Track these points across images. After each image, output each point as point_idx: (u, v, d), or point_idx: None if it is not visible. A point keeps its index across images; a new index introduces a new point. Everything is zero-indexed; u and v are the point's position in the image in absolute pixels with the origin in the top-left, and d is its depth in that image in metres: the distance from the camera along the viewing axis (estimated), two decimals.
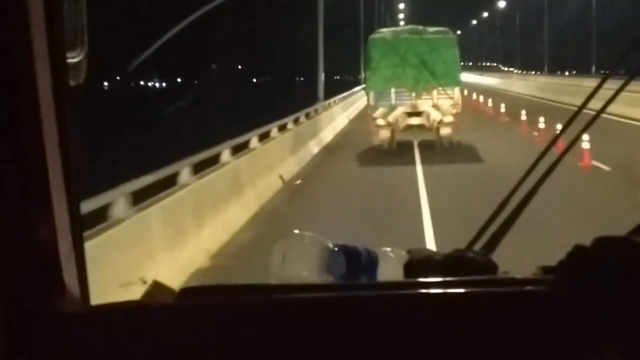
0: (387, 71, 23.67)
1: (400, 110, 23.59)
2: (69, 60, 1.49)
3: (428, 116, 23.52)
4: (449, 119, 23.47)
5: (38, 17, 1.40)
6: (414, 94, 23.67)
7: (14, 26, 1.38)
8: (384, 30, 26.68)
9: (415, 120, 23.64)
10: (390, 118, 23.51)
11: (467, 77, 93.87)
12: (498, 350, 1.40)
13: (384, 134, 23.66)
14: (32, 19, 1.39)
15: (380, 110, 23.63)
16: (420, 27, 25.09)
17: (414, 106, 23.65)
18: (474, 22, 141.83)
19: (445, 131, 23.59)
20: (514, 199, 1.88)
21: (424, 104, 23.62)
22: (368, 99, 24.35)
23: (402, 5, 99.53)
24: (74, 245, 1.49)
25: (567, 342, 1.38)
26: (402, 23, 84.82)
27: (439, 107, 23.50)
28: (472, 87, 61.89)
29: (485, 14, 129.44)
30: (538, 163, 1.99)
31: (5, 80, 1.38)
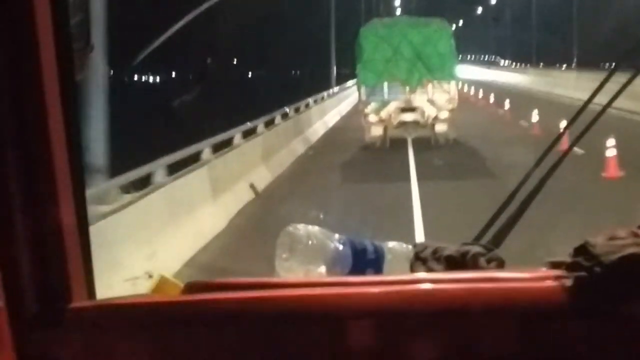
0: (380, 64, 23.63)
1: (393, 105, 23.55)
2: (75, 54, 1.57)
3: (423, 112, 23.48)
4: (444, 114, 23.38)
5: (44, 11, 1.48)
6: (407, 89, 23.63)
7: (21, 20, 1.46)
8: (376, 21, 26.59)
9: (409, 116, 23.59)
10: (383, 114, 23.45)
11: (476, 73, 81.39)
12: (506, 344, 1.48)
13: (376, 130, 23.60)
14: (38, 13, 1.47)
15: (372, 106, 23.57)
16: (414, 18, 25.09)
17: (408, 101, 23.61)
18: (480, 10, 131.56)
19: (440, 128, 23.53)
20: (520, 193, 1.95)
21: (419, 99, 23.59)
22: (359, 94, 24.29)
23: None
24: (80, 240, 1.57)
25: (575, 336, 1.46)
26: (398, 11, 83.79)
27: (434, 102, 23.48)
28: (500, 91, 43.65)
29: (494, 1, 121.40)
30: (544, 158, 2.06)
31: (12, 73, 1.46)
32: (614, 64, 2.78)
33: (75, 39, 1.59)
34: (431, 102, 23.49)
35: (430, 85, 23.57)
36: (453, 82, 24.00)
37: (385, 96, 23.74)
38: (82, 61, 1.61)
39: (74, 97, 1.55)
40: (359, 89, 24.48)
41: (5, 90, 1.46)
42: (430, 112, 23.44)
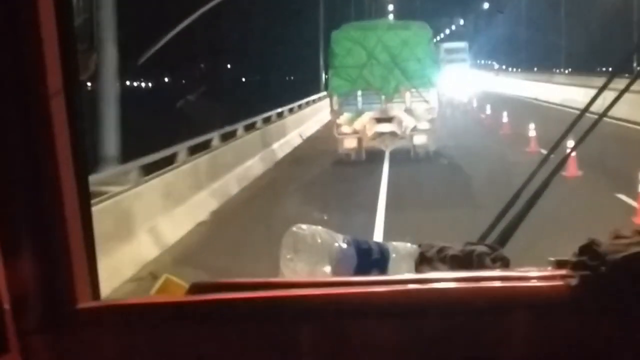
0: (353, 71, 23.48)
1: (368, 115, 23.38)
2: (79, 54, 1.70)
3: (400, 122, 23.31)
4: (424, 125, 23.23)
5: (48, 12, 1.61)
6: (383, 97, 23.47)
7: (25, 21, 1.58)
8: (350, 24, 26.52)
9: (385, 127, 23.41)
10: (357, 125, 23.26)
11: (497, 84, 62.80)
12: (512, 344, 1.61)
13: (350, 142, 23.38)
14: (42, 14, 1.60)
15: (345, 116, 23.38)
16: (392, 21, 25.11)
17: (384, 111, 23.44)
18: (486, 5, 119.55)
19: (420, 140, 23.40)
20: (524, 193, 2.10)
21: (395, 109, 23.43)
22: (331, 103, 24.14)
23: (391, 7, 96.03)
24: (84, 241, 1.69)
25: (581, 335, 1.60)
26: (391, 16, 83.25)
27: (412, 112, 23.35)
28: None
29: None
30: (547, 159, 2.21)
31: (16, 73, 1.59)
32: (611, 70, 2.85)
33: (80, 39, 1.72)
34: (409, 111, 23.32)
35: (408, 94, 23.44)
36: (433, 90, 23.94)
37: (359, 105, 23.57)
38: (86, 61, 1.74)
39: (78, 96, 1.67)
40: (330, 98, 24.35)
41: (10, 90, 1.58)
42: (409, 122, 23.25)
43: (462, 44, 75.83)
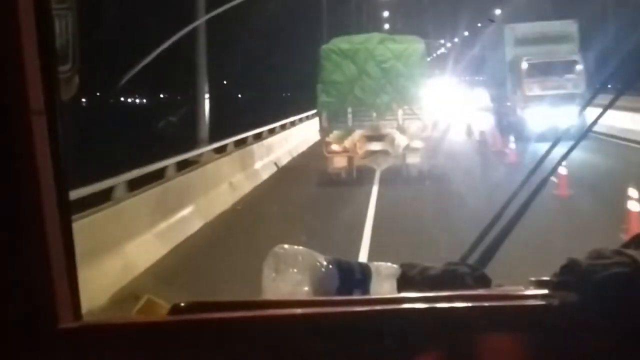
0: (343, 87, 23.46)
1: (358, 133, 23.40)
2: (61, 75, 1.78)
3: (392, 140, 23.25)
4: (417, 144, 23.24)
5: (30, 32, 1.68)
6: (374, 114, 23.48)
7: (6, 41, 1.65)
8: (340, 38, 26.47)
9: (376, 146, 23.41)
10: (347, 143, 23.27)
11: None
12: None
13: (340, 161, 23.34)
14: (23, 35, 1.67)
15: (334, 134, 23.35)
16: (384, 35, 25.02)
17: (375, 129, 23.44)
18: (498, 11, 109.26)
19: (412, 159, 23.33)
20: (506, 213, 2.18)
21: (387, 126, 23.40)
22: (320, 120, 24.09)
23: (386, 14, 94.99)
24: (66, 261, 1.76)
25: (562, 355, 1.67)
26: (386, 26, 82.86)
27: (405, 129, 23.33)
28: None
29: None
30: (529, 178, 2.29)
31: None
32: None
33: (62, 60, 1.80)
34: (401, 129, 23.30)
35: (400, 111, 23.41)
36: (427, 107, 23.91)
37: (349, 123, 23.55)
38: (68, 82, 1.81)
39: (60, 118, 1.73)
40: (319, 115, 24.29)
41: None
42: (401, 140, 23.23)
43: (565, 25, 36.43)
